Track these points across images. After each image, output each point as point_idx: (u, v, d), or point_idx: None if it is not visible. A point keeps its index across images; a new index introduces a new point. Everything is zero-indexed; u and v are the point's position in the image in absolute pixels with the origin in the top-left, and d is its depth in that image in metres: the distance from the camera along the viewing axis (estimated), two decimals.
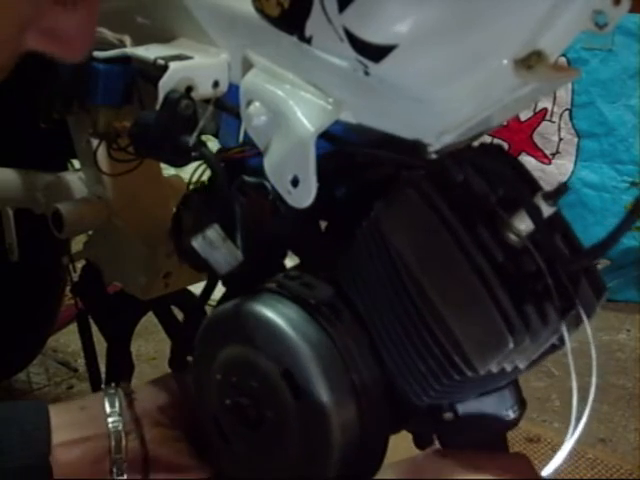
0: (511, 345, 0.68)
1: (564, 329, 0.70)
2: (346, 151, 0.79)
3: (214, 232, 0.79)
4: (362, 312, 0.77)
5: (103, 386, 0.93)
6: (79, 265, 1.23)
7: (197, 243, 0.79)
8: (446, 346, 0.70)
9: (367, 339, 0.77)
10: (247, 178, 0.82)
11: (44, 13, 0.47)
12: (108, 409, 0.88)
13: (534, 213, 0.68)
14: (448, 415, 0.79)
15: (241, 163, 0.84)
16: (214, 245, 0.78)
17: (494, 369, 0.71)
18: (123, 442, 0.86)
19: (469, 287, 0.69)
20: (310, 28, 0.68)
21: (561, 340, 0.72)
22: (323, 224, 0.87)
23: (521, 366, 0.72)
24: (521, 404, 0.82)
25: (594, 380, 0.71)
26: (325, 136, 0.74)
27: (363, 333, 0.77)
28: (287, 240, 0.87)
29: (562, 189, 0.68)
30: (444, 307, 0.70)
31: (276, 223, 0.81)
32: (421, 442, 0.87)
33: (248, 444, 0.82)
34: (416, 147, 0.74)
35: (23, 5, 0.45)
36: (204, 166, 0.86)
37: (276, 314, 0.78)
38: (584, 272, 0.73)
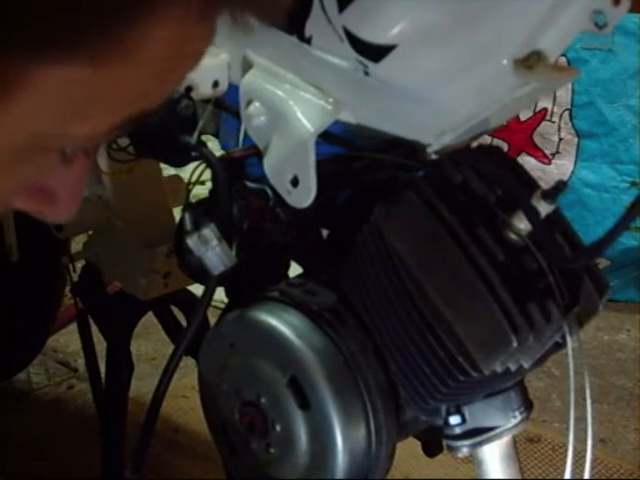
0: (515, 344, 0.68)
1: (566, 326, 0.70)
2: (346, 155, 0.79)
3: (210, 231, 0.79)
4: (365, 317, 0.77)
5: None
6: (79, 265, 1.23)
7: (192, 241, 0.79)
8: (450, 348, 0.70)
9: (371, 344, 0.77)
10: (248, 183, 0.82)
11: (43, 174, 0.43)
12: None
13: (532, 213, 0.68)
14: (455, 418, 0.79)
15: (242, 166, 0.84)
16: (209, 244, 0.78)
17: (499, 369, 0.70)
18: None
19: (471, 288, 0.69)
20: (310, 28, 0.69)
21: (565, 338, 0.72)
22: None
23: (525, 365, 0.72)
24: (527, 405, 0.82)
25: (587, 380, 0.71)
26: (326, 137, 0.74)
27: (367, 338, 0.77)
28: (288, 248, 0.86)
29: (560, 186, 0.68)
30: (447, 309, 0.70)
31: (276, 230, 0.81)
32: (430, 449, 0.87)
33: (255, 453, 0.82)
34: (415, 148, 0.75)
35: (29, 171, 0.42)
36: (204, 166, 0.86)
37: (280, 322, 0.78)
38: (586, 270, 0.73)
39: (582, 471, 0.74)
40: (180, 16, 0.37)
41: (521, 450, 0.85)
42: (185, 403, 1.78)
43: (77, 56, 0.36)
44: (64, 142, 0.42)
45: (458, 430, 0.80)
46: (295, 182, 0.75)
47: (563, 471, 0.75)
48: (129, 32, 0.36)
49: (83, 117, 0.39)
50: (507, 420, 0.81)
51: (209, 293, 0.81)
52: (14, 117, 0.38)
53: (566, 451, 0.73)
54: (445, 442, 0.83)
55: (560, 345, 0.74)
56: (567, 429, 0.72)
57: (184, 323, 1.18)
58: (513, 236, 0.69)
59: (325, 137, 0.75)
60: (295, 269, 0.88)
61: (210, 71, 0.84)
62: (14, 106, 0.37)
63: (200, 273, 0.81)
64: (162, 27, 0.37)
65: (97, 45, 0.36)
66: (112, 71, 0.37)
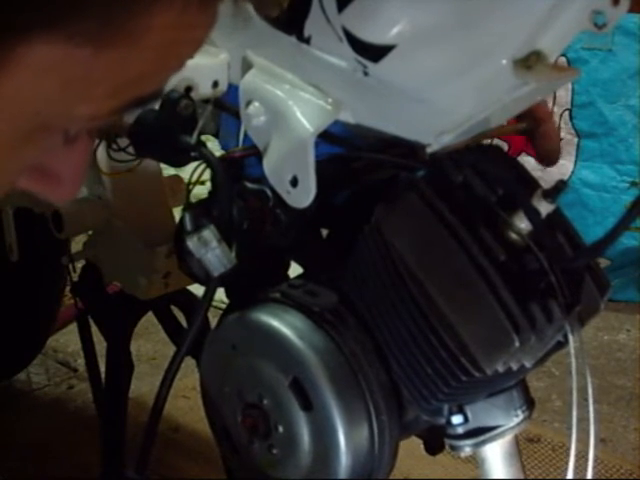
0: (517, 344, 0.68)
1: (568, 326, 0.70)
2: (346, 155, 0.79)
3: (209, 233, 0.79)
4: (367, 317, 0.77)
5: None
6: (79, 265, 1.23)
7: (192, 243, 0.79)
8: (452, 348, 0.70)
9: (373, 344, 0.77)
10: (248, 183, 0.82)
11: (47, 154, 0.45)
12: None
13: (533, 212, 0.68)
14: (457, 418, 0.79)
15: (242, 166, 0.84)
16: (209, 246, 0.78)
17: (501, 369, 0.71)
18: None
19: (473, 288, 0.69)
20: (309, 28, 0.68)
21: (567, 337, 0.72)
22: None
23: (527, 365, 0.72)
24: (529, 404, 0.82)
25: (589, 380, 0.71)
26: (326, 137, 0.74)
27: (369, 339, 0.77)
28: (289, 249, 0.86)
29: (560, 186, 0.68)
30: (449, 309, 0.70)
31: (276, 231, 0.81)
32: (431, 448, 0.87)
33: (258, 455, 0.82)
34: (415, 148, 0.74)
35: (33, 151, 0.43)
36: (204, 166, 0.86)
37: (281, 323, 0.78)
38: (587, 269, 0.73)
39: (582, 471, 0.74)
40: (181, 4, 0.38)
41: (521, 450, 0.85)
42: (185, 403, 1.78)
43: (80, 39, 0.37)
44: (67, 123, 0.42)
45: (460, 430, 0.80)
46: (295, 182, 0.75)
47: (563, 471, 0.75)
48: (131, 19, 0.37)
49: (85, 98, 0.40)
50: (509, 419, 0.81)
51: (209, 295, 0.81)
52: (18, 96, 0.39)
53: (566, 451, 0.73)
54: (447, 442, 0.82)
55: (562, 344, 0.74)
56: (569, 429, 0.72)
57: (184, 323, 1.18)
58: (514, 236, 0.69)
59: (325, 137, 0.75)
60: (295, 269, 0.88)
61: (210, 71, 0.84)
62: (17, 85, 0.38)
63: (200, 274, 0.81)
64: (164, 14, 0.38)
65: (100, 30, 0.37)
66: (114, 55, 0.38)
